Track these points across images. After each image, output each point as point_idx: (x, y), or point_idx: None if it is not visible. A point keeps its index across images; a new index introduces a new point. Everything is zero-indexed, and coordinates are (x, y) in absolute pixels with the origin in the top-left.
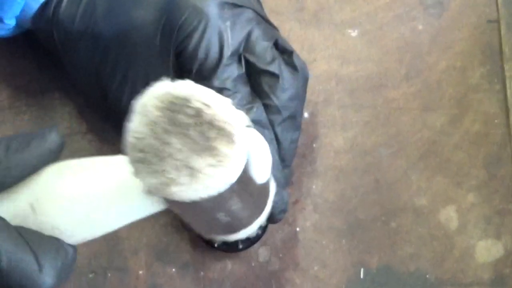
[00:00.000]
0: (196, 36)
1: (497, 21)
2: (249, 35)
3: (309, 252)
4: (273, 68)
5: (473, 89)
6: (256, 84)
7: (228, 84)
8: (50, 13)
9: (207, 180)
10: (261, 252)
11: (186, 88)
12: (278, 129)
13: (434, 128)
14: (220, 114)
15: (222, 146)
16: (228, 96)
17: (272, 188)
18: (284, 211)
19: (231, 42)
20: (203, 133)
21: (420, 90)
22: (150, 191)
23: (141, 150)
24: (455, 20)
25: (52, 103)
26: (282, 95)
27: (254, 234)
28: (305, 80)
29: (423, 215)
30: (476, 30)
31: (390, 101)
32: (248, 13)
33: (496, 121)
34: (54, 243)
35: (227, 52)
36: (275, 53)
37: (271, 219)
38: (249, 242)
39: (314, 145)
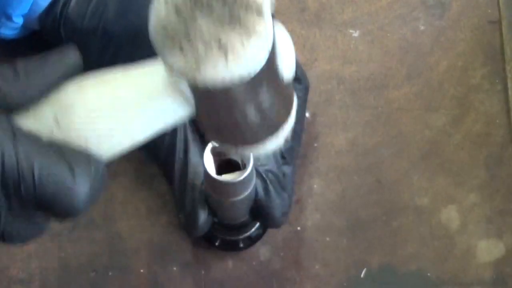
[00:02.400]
0: None
1: (499, 22)
2: None
3: (310, 251)
4: None
5: (474, 89)
6: None
7: None
8: (58, 11)
9: (239, 53)
10: (262, 251)
11: None
12: None
13: (436, 128)
14: None
15: (250, 19)
16: None
17: (295, 101)
18: (286, 214)
19: None
20: (228, 7)
21: (421, 90)
22: (180, 76)
23: (167, 31)
24: (456, 20)
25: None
26: None
27: (255, 233)
28: (306, 90)
29: (424, 214)
30: (477, 31)
31: (392, 101)
32: None
33: (497, 121)
34: (84, 153)
35: None
36: None
37: (272, 222)
38: (250, 241)
39: (315, 144)
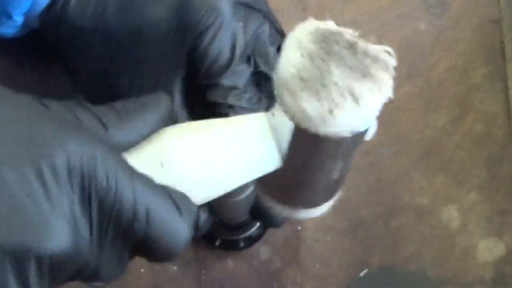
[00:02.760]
0: (209, 34)
1: (499, 21)
2: (258, 37)
3: (311, 251)
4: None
5: (475, 89)
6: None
7: (239, 83)
8: (59, 9)
9: (369, 105)
10: (262, 250)
11: (333, 25)
12: None
13: (436, 127)
14: (371, 46)
15: (380, 72)
16: (237, 95)
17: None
18: None
19: (243, 43)
20: (360, 61)
21: (422, 90)
22: (312, 119)
23: (303, 79)
24: (457, 20)
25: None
26: None
27: (255, 233)
28: None
29: (425, 214)
30: (478, 30)
31: (392, 100)
32: (258, 16)
33: (497, 120)
34: (184, 196)
35: (238, 52)
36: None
37: (273, 222)
38: (251, 241)
39: None
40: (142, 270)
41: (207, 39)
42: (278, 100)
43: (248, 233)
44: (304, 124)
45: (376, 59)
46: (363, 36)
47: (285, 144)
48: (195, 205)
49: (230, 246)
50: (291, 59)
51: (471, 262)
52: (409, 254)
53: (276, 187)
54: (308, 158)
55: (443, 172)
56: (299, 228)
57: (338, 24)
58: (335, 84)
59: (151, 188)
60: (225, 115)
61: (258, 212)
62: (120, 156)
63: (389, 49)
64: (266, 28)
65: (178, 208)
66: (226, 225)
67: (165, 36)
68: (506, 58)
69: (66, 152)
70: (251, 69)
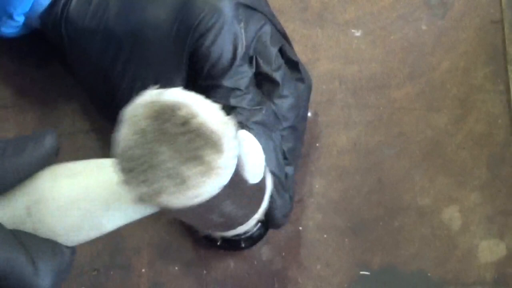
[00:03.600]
0: (211, 35)
1: (501, 22)
2: (259, 38)
3: (312, 251)
4: (276, 75)
5: (476, 89)
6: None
7: (240, 85)
8: (59, 10)
9: (197, 188)
10: (263, 251)
11: (174, 96)
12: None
13: (438, 128)
14: (208, 123)
15: (209, 155)
16: (239, 96)
17: (269, 184)
18: (286, 215)
19: (245, 44)
20: (191, 142)
21: (423, 90)
22: (141, 199)
23: (131, 159)
24: (459, 20)
25: (55, 101)
26: (281, 103)
27: (256, 233)
28: (309, 89)
29: (426, 215)
30: (480, 31)
31: (394, 101)
32: (259, 16)
33: (499, 121)
34: (50, 245)
35: (240, 53)
36: (281, 61)
37: (273, 223)
38: (252, 241)
39: (317, 144)
40: (143, 270)
41: (208, 40)
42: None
43: (249, 233)
44: (139, 200)
45: (207, 140)
46: (366, 35)
47: None
48: (67, 249)
49: (232, 246)
50: (123, 136)
51: (472, 263)
52: (410, 255)
53: (177, 218)
54: (175, 214)
55: (444, 173)
56: (300, 228)
57: (339, 23)
58: (162, 165)
59: (3, 242)
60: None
61: None
62: None
63: (233, 125)
64: (267, 29)
65: (34, 262)
66: None
67: (166, 37)
68: (508, 59)
69: None
70: (252, 70)
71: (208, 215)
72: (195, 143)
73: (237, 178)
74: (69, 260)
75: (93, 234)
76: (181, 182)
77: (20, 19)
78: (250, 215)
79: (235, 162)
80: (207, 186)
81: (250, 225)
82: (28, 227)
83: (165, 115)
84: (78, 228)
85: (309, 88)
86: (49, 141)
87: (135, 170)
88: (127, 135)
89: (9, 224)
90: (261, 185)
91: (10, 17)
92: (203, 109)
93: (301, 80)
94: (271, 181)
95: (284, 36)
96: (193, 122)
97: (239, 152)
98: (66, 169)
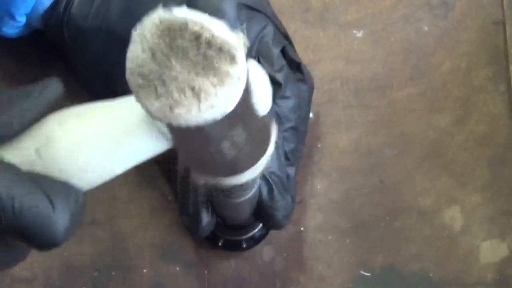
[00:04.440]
0: None
1: (503, 23)
2: (261, 39)
3: (314, 251)
4: (278, 76)
5: (478, 90)
6: None
7: None
8: (61, 10)
9: (211, 99)
10: (265, 251)
11: (182, 13)
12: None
13: (439, 128)
14: (220, 34)
15: (223, 65)
16: None
17: (274, 130)
18: (288, 216)
19: (247, 45)
20: (203, 54)
21: (425, 91)
22: (155, 117)
23: (143, 76)
24: (460, 21)
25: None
26: (283, 104)
27: (258, 233)
28: (311, 90)
29: (427, 215)
30: (481, 32)
31: (395, 101)
32: (261, 17)
33: (500, 122)
34: (64, 185)
35: None
36: (283, 62)
37: (275, 224)
38: (253, 241)
39: (318, 145)
40: (144, 270)
41: None
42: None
43: (251, 234)
44: (155, 118)
45: (219, 51)
46: (367, 36)
47: (165, 127)
48: (78, 191)
49: (233, 247)
50: (133, 55)
51: (474, 264)
52: (412, 255)
53: (191, 161)
54: (187, 141)
55: (446, 173)
56: (302, 228)
57: (341, 24)
58: (175, 79)
59: (19, 182)
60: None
61: (261, 214)
62: None
63: (243, 37)
64: (269, 30)
65: (50, 200)
66: (229, 225)
67: None
68: (509, 60)
69: None
70: None
71: (220, 141)
72: (207, 54)
73: (247, 104)
74: (82, 203)
75: (106, 175)
76: (196, 94)
77: (21, 19)
78: (258, 155)
79: (247, 75)
80: (221, 96)
81: (256, 172)
82: (38, 169)
83: (175, 31)
84: (90, 169)
85: (311, 89)
86: (54, 87)
87: (147, 86)
88: (137, 53)
89: (20, 165)
90: (267, 124)
91: (12, 17)
92: (213, 24)
93: (303, 81)
94: (276, 130)
95: (286, 36)
96: (204, 35)
97: (247, 76)
98: (73, 111)
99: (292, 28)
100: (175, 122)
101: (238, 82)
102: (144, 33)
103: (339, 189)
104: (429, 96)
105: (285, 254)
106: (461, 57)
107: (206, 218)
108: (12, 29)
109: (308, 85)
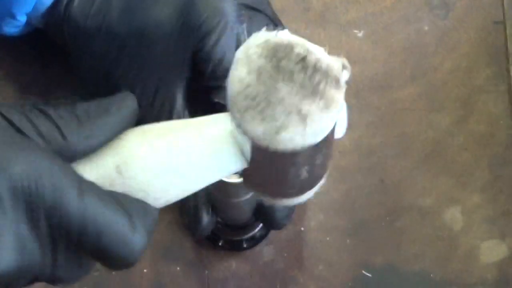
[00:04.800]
0: (214, 36)
1: (503, 23)
2: None
3: (314, 251)
4: None
5: (478, 90)
6: None
7: None
8: (62, 9)
9: (317, 124)
10: (265, 251)
11: (286, 36)
12: None
13: (439, 128)
14: (324, 59)
15: (329, 89)
16: None
17: (332, 155)
18: (289, 216)
19: None
20: (309, 77)
21: (425, 91)
22: (257, 139)
23: (249, 97)
24: (461, 21)
25: (57, 101)
26: None
27: (258, 233)
28: None
29: (428, 215)
30: (481, 31)
31: (395, 101)
32: (262, 17)
33: (501, 122)
34: (142, 204)
35: None
36: None
37: (275, 224)
38: (254, 241)
39: None
40: (145, 270)
41: (211, 41)
42: (231, 115)
43: (251, 234)
44: (255, 141)
45: (326, 75)
46: (368, 36)
47: (247, 148)
48: (155, 210)
49: (234, 247)
50: (238, 75)
51: (474, 264)
52: (412, 255)
53: (258, 182)
54: (268, 166)
55: (446, 173)
56: (302, 228)
57: (341, 24)
58: (281, 102)
59: (102, 201)
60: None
61: (261, 214)
62: (70, 170)
63: (345, 61)
64: (269, 30)
65: (131, 220)
66: (229, 225)
67: (169, 38)
68: (510, 60)
69: (9, 175)
70: None
71: (302, 166)
72: (313, 78)
73: (334, 128)
74: (156, 219)
75: (181, 194)
76: (303, 118)
77: (22, 18)
78: (322, 176)
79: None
80: (327, 122)
81: (313, 192)
82: (118, 186)
83: (280, 53)
84: (168, 189)
85: None
86: (131, 103)
87: (253, 108)
88: (242, 74)
89: (99, 185)
90: (332, 147)
91: (13, 17)
92: (316, 48)
93: None
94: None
95: None
96: (310, 58)
97: None
98: (154, 128)
99: (292, 28)
100: (274, 146)
101: (340, 109)
102: (249, 54)
103: (339, 189)
104: (429, 96)
105: (285, 254)
106: (462, 57)
107: (206, 218)
108: (12, 28)
109: None
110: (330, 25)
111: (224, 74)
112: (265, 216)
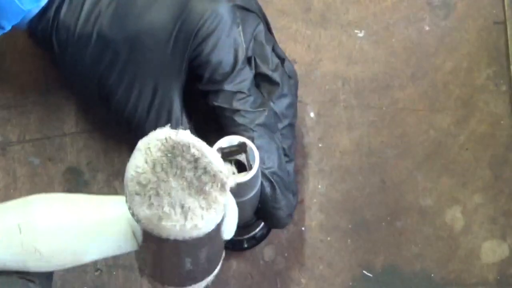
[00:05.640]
0: (211, 41)
1: (504, 23)
2: (255, 38)
3: (314, 251)
4: (276, 76)
5: (479, 90)
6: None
7: (243, 87)
8: (51, 16)
9: (197, 220)
10: (266, 251)
11: (186, 136)
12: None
13: (440, 128)
14: (215, 163)
15: (214, 191)
16: (242, 99)
17: (222, 256)
18: (290, 215)
19: (245, 46)
20: (198, 177)
21: (426, 91)
22: (141, 223)
23: (140, 184)
24: (461, 21)
25: (58, 101)
26: (280, 103)
27: (259, 233)
28: (297, 86)
29: (429, 215)
30: (482, 32)
31: (396, 101)
32: (254, 17)
33: (502, 122)
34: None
35: (241, 56)
36: (277, 60)
37: (277, 223)
38: (255, 241)
39: (320, 145)
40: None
41: (209, 46)
42: (125, 194)
43: (252, 234)
44: (140, 224)
45: (213, 178)
46: (369, 36)
47: (138, 232)
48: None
49: (234, 246)
50: (135, 163)
51: (475, 264)
52: (413, 255)
53: (148, 266)
54: (156, 251)
55: (447, 173)
56: (303, 228)
57: (342, 24)
58: (169, 194)
59: None
60: (230, 118)
61: (263, 214)
62: None
63: (234, 169)
64: (261, 28)
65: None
66: None
67: (165, 44)
68: (511, 60)
69: None
70: (252, 71)
71: (185, 257)
72: (201, 179)
73: (219, 228)
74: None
75: (74, 261)
76: (185, 212)
77: (8, 27)
78: (208, 273)
79: (228, 204)
80: (206, 219)
81: (203, 285)
82: (15, 243)
83: (177, 150)
84: (62, 253)
85: (296, 84)
86: None
87: (142, 194)
88: (139, 162)
89: None
90: (222, 249)
91: (2, 28)
92: (211, 152)
93: (289, 76)
94: (224, 253)
95: (270, 31)
96: (202, 160)
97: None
98: (61, 196)
99: (293, 27)
100: (158, 232)
101: (222, 209)
102: (149, 146)
103: (340, 189)
104: (430, 96)
105: (286, 254)
106: (463, 57)
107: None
108: None
109: (294, 80)
110: (331, 25)
111: (222, 78)
112: (267, 215)
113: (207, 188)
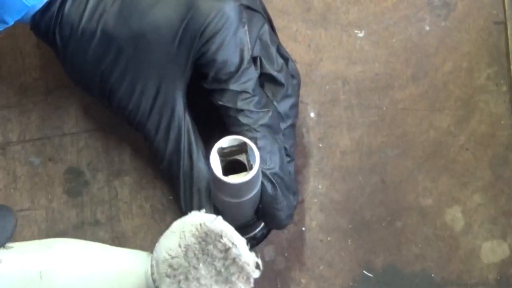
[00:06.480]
0: (217, 40)
1: (504, 23)
2: (261, 38)
3: (315, 251)
4: (281, 77)
5: (479, 90)
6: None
7: (247, 87)
8: (55, 10)
9: None
10: (266, 251)
11: (220, 224)
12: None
13: (441, 129)
14: (244, 255)
15: (239, 282)
16: (246, 99)
17: None
18: (291, 216)
19: (250, 46)
20: (227, 266)
21: (426, 91)
22: None
23: (172, 267)
24: (462, 21)
25: (59, 101)
26: (284, 103)
27: (260, 233)
28: (299, 87)
29: (429, 215)
30: (483, 32)
31: (397, 101)
32: (259, 17)
33: (502, 122)
34: None
35: (247, 56)
36: (281, 60)
37: (278, 224)
38: (255, 241)
39: (320, 145)
40: None
41: (215, 45)
42: (152, 270)
43: (252, 234)
44: None
45: (241, 270)
46: (369, 36)
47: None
48: None
49: None
50: (169, 245)
51: (475, 264)
52: (413, 255)
53: None
54: None
55: (447, 173)
56: (303, 229)
57: (343, 24)
58: (198, 280)
59: None
60: (234, 118)
61: (263, 214)
62: None
63: (259, 261)
64: (266, 28)
65: None
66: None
67: (170, 42)
68: (511, 60)
69: None
70: (258, 71)
71: None
72: (229, 269)
73: None
74: None
75: None
76: None
77: (11, 22)
78: None
79: None
80: None
81: None
82: (34, 287)
83: (210, 238)
84: None
85: (299, 84)
86: (10, 225)
87: (172, 277)
88: (173, 245)
89: (17, 278)
90: None
91: (4, 22)
92: (240, 242)
93: (292, 76)
94: None
95: (274, 31)
96: (232, 251)
97: None
98: (81, 244)
99: (294, 27)
100: None
101: None
102: (184, 230)
103: (340, 189)
104: (430, 96)
105: (286, 254)
106: (463, 57)
107: None
108: None
109: (297, 80)
110: (331, 25)
111: (227, 77)
112: (268, 216)
113: (233, 278)
